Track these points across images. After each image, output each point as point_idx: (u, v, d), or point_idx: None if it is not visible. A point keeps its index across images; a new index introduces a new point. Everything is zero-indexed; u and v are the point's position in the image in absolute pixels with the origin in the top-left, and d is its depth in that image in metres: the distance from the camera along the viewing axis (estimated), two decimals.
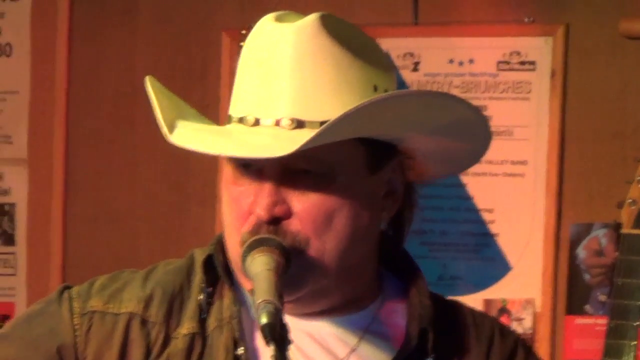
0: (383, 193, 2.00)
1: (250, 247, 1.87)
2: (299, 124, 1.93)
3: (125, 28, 3.83)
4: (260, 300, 1.76)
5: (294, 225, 1.93)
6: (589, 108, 3.52)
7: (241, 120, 1.95)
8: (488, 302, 3.56)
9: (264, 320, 1.74)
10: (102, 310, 2.03)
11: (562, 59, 3.51)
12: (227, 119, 1.98)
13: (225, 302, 2.03)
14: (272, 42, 1.97)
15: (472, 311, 2.15)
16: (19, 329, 2.07)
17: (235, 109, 1.98)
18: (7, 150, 3.95)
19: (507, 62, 3.58)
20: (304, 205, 1.93)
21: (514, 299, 3.57)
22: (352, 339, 2.01)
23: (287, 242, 1.93)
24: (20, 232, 3.94)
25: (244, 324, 2.01)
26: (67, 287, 2.05)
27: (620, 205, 3.04)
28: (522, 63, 3.57)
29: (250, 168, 1.95)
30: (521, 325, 3.54)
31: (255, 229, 1.93)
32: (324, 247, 1.95)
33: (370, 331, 2.03)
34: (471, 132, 2.03)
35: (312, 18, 1.94)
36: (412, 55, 3.65)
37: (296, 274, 1.93)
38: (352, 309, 2.02)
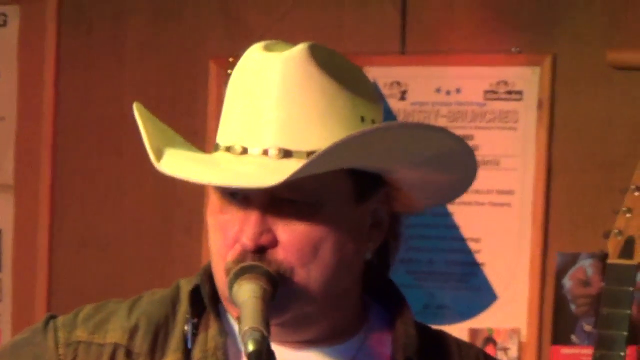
0: (369, 223, 1.99)
1: (237, 275, 1.85)
2: (286, 154, 1.92)
3: (113, 56, 3.84)
4: (247, 328, 1.76)
5: (279, 254, 1.92)
6: (576, 138, 3.50)
7: (228, 149, 1.94)
8: (474, 332, 3.55)
9: (250, 347, 1.73)
10: (87, 340, 2.01)
11: (549, 88, 3.50)
12: (214, 147, 1.97)
13: (210, 333, 2.02)
14: (260, 71, 1.96)
15: (457, 341, 2.13)
16: (5, 358, 2.05)
17: (222, 137, 1.97)
18: None
19: (494, 92, 3.58)
20: (289, 235, 1.92)
21: (499, 329, 3.55)
22: None
23: (272, 270, 1.91)
24: (6, 259, 3.94)
25: (229, 355, 1.99)
26: (53, 317, 2.04)
27: (606, 236, 3.03)
28: (509, 92, 3.57)
29: (237, 197, 1.94)
30: (507, 355, 3.53)
31: (241, 258, 1.91)
32: (309, 275, 1.93)
33: None
34: (457, 163, 2.02)
35: (301, 48, 1.93)
36: (399, 84, 3.65)
37: (280, 300, 1.91)
38: (338, 339, 2.00)
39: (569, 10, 3.55)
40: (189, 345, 2.01)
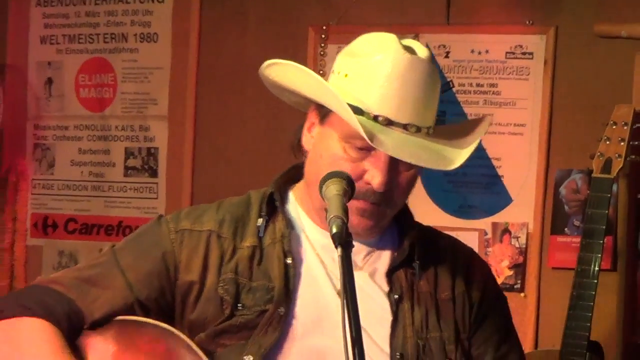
0: None
1: (326, 178, 1.94)
2: (417, 130, 2.04)
3: (239, 23, 3.99)
4: (332, 216, 1.84)
5: (393, 195, 2.06)
6: (571, 87, 3.65)
7: (376, 118, 2.02)
8: (495, 225, 3.72)
9: (334, 229, 1.81)
10: (190, 228, 2.13)
11: (552, 51, 3.66)
12: (354, 110, 2.00)
13: (278, 225, 2.13)
14: (408, 68, 2.03)
15: (449, 236, 2.26)
16: (132, 243, 2.19)
17: (370, 106, 2.02)
18: (154, 109, 4.15)
19: (513, 53, 3.72)
20: (401, 184, 2.05)
21: (513, 223, 3.70)
22: (365, 251, 2.13)
23: (382, 203, 2.04)
24: (162, 168, 4.13)
25: (292, 243, 2.11)
26: (162, 216, 2.20)
27: (592, 157, 3.27)
28: (524, 53, 3.71)
29: (361, 150, 2.03)
30: (518, 241, 3.69)
31: (368, 194, 2.03)
32: (399, 205, 2.10)
33: (376, 246, 2.15)
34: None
35: (429, 53, 2.07)
36: (444, 46, 3.79)
37: (377, 214, 2.05)
38: (371, 235, 2.13)
39: None
40: (261, 234, 2.12)
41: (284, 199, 2.15)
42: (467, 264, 2.19)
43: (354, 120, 1.97)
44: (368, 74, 2.04)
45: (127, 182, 4.19)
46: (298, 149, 2.14)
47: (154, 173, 4.16)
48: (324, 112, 2.08)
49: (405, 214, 2.18)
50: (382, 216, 2.07)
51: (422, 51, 2.06)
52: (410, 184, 2.08)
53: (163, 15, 4.13)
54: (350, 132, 2.01)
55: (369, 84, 2.03)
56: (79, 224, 4.24)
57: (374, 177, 2.02)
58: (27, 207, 4.32)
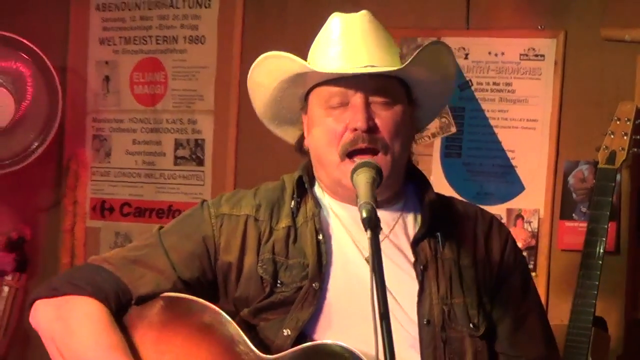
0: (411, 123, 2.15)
1: (356, 167, 1.99)
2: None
3: (278, 24, 3.98)
4: (362, 202, 1.89)
5: (380, 133, 2.06)
6: (579, 85, 3.65)
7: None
8: (509, 210, 3.70)
9: (364, 214, 1.85)
10: (229, 213, 2.16)
11: (562, 53, 3.67)
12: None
13: (308, 206, 2.15)
14: (347, 24, 2.10)
15: (470, 204, 2.26)
16: (177, 226, 2.20)
17: (329, 65, 2.06)
18: (201, 105, 4.17)
19: (526, 55, 3.71)
20: (383, 121, 2.06)
21: (526, 209, 3.69)
22: (390, 222, 2.14)
23: (378, 146, 2.04)
24: (207, 158, 4.15)
25: (322, 220, 2.14)
26: (205, 201, 2.21)
27: (597, 149, 3.30)
28: (536, 55, 3.70)
29: (337, 107, 2.06)
30: (530, 225, 3.67)
31: (355, 139, 2.04)
32: (394, 149, 2.08)
33: (401, 216, 2.17)
34: (448, 66, 2.15)
35: (366, 11, 2.13)
36: (464, 49, 3.79)
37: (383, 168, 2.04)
38: (392, 203, 2.16)
39: (576, 0, 3.66)
40: (295, 215, 2.15)
41: (311, 181, 2.18)
42: (487, 231, 2.18)
43: (300, 62, 2.03)
44: (319, 45, 2.12)
45: (176, 170, 4.19)
46: (302, 152, 2.20)
47: (200, 162, 4.15)
48: (305, 104, 2.12)
49: (425, 185, 2.19)
50: (385, 164, 2.04)
51: (359, 13, 2.12)
52: (396, 125, 2.05)
53: (209, 19, 4.13)
54: (324, 96, 2.05)
55: (322, 51, 2.09)
56: (132, 208, 4.28)
57: (354, 118, 2.03)
58: (87, 192, 4.35)
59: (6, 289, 4.29)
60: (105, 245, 4.30)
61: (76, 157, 4.37)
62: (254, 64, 2.13)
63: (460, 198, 3.43)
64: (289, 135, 2.24)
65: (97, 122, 4.37)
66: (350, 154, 2.04)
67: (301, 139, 2.19)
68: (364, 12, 2.11)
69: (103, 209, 4.35)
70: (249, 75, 2.15)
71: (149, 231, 2.25)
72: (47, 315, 2.10)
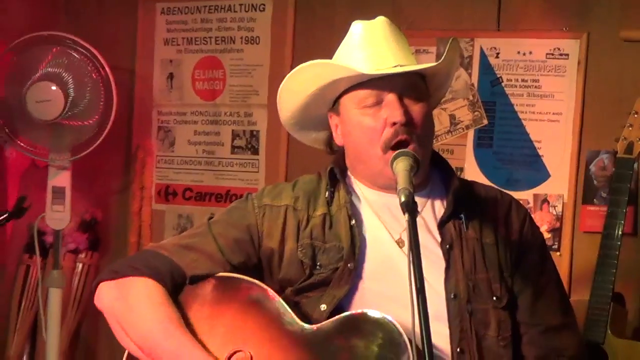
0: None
1: (396, 156, 2.04)
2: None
3: (327, 28, 4.03)
4: (401, 187, 1.93)
5: (415, 126, 2.10)
6: (600, 82, 3.70)
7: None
8: (536, 196, 3.75)
9: (402, 198, 1.88)
10: (270, 204, 2.22)
11: (585, 52, 3.72)
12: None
13: (341, 194, 2.19)
14: (370, 29, 2.13)
15: (491, 187, 2.28)
16: (224, 216, 2.25)
17: (361, 66, 2.08)
18: (256, 99, 4.25)
19: (552, 54, 3.78)
20: (417, 114, 2.10)
21: (551, 194, 3.75)
22: (419, 206, 2.13)
23: (415, 136, 2.07)
24: (262, 147, 4.24)
25: (354, 207, 2.17)
26: (250, 193, 2.26)
27: (617, 140, 3.39)
28: (561, 54, 3.76)
29: (372, 105, 2.09)
30: (555, 209, 3.72)
31: (395, 133, 2.07)
32: (427, 139, 2.14)
33: (428, 201, 2.20)
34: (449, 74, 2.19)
35: (384, 17, 2.16)
36: (495, 48, 3.85)
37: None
38: (419, 189, 2.16)
39: (598, 4, 3.69)
40: (330, 204, 2.19)
41: (343, 172, 2.22)
42: (506, 211, 2.21)
43: (344, 66, 2.04)
44: (346, 51, 2.14)
45: (234, 159, 4.26)
46: (332, 150, 2.25)
47: (255, 151, 4.24)
48: (335, 107, 2.15)
49: (449, 172, 2.22)
50: (420, 153, 2.08)
51: (378, 19, 2.14)
52: (426, 118, 2.09)
53: (264, 21, 4.21)
54: (360, 97, 2.08)
55: (349, 56, 2.11)
56: (194, 193, 4.35)
57: (392, 114, 2.06)
58: (152, 178, 4.42)
59: (80, 265, 4.42)
60: (169, 226, 4.39)
61: (143, 147, 4.46)
62: (293, 72, 2.16)
63: (491, 184, 3.54)
64: (306, 138, 2.30)
65: (162, 115, 4.45)
66: (393, 147, 2.09)
67: (329, 139, 2.24)
68: (382, 17, 2.15)
69: (167, 193, 4.43)
70: (283, 83, 2.17)
71: (208, 214, 2.31)
72: (109, 295, 2.16)
